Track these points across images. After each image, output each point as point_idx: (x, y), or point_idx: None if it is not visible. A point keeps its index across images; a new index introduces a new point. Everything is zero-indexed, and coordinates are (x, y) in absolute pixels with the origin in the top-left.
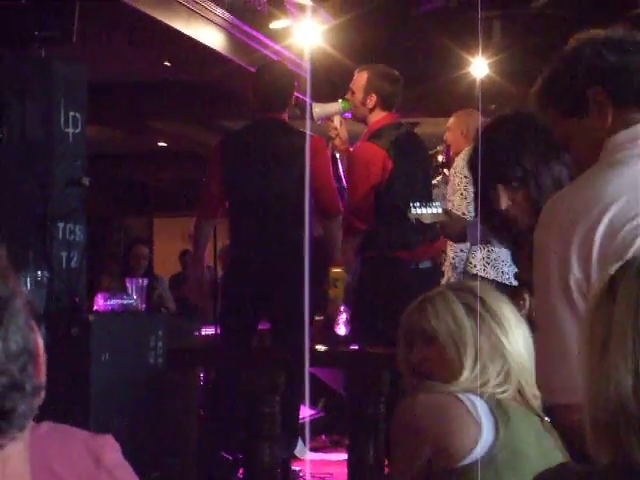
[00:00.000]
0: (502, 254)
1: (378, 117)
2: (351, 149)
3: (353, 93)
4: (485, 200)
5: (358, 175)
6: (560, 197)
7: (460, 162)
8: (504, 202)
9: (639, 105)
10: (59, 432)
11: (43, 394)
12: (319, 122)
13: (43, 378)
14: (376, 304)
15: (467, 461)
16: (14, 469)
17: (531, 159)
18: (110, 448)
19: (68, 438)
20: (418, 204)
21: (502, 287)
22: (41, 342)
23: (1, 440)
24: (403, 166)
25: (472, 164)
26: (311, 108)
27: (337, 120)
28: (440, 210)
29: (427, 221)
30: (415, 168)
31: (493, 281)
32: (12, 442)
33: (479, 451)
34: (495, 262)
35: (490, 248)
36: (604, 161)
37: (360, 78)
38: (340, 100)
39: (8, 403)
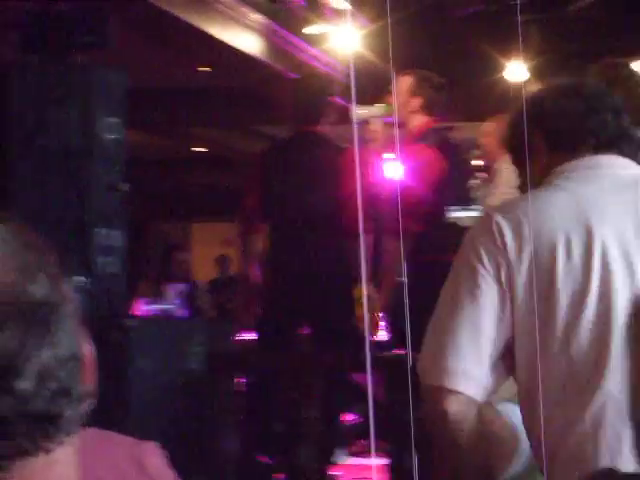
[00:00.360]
0: None
1: (420, 122)
2: (391, 149)
3: (395, 96)
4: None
5: (413, 176)
6: (506, 204)
7: (510, 174)
8: None
9: (570, 149)
10: (104, 438)
11: (92, 400)
12: (358, 125)
13: (92, 384)
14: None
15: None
16: (61, 474)
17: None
18: (153, 454)
19: (112, 444)
20: (456, 207)
21: None
22: (91, 348)
23: (49, 444)
24: (450, 169)
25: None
26: (351, 110)
27: (378, 123)
28: (478, 213)
29: (465, 224)
30: (458, 171)
31: None
32: (60, 447)
33: (522, 460)
34: None
35: None
36: (546, 186)
37: (404, 81)
38: (382, 105)
39: (56, 408)
